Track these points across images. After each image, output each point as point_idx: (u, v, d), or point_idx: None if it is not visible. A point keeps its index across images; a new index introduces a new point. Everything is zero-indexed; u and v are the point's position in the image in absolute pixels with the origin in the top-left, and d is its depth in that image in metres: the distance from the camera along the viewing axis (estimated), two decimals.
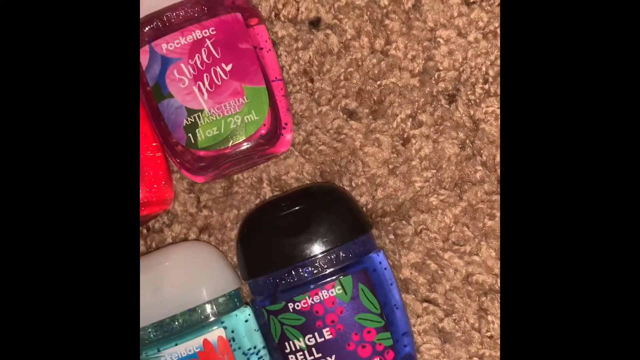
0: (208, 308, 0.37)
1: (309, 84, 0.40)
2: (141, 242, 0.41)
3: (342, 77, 0.40)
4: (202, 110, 0.36)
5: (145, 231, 0.41)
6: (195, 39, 0.36)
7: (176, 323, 0.36)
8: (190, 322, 0.36)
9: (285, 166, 0.40)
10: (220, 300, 0.37)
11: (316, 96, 0.40)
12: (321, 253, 0.36)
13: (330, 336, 0.35)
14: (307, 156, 0.40)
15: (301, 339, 0.36)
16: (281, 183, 0.40)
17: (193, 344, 0.36)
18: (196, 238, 0.40)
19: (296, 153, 0.40)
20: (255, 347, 0.37)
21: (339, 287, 0.35)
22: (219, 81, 0.36)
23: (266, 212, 0.37)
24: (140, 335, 0.37)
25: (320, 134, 0.40)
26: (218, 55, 0.36)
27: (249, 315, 0.37)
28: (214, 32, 0.36)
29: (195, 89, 0.36)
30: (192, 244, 0.39)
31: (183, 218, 0.41)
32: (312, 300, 0.35)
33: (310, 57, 0.40)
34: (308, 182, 0.40)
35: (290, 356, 0.36)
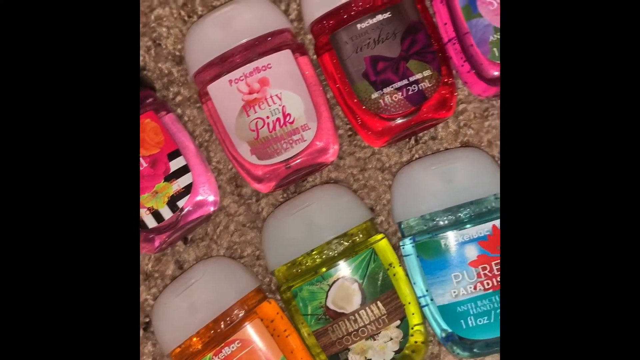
0: (493, 201, 0.43)
1: None
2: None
3: None
4: None
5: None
6: None
7: (466, 210, 0.42)
8: (476, 211, 0.42)
9: None
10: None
11: None
12: None
13: None
14: None
15: None
16: None
17: (484, 228, 0.42)
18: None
19: None
20: None
21: None
22: None
23: None
24: (430, 220, 0.43)
25: None
26: None
27: None
28: None
29: None
30: (473, 150, 0.45)
31: None
32: None
33: None
34: None
35: None
